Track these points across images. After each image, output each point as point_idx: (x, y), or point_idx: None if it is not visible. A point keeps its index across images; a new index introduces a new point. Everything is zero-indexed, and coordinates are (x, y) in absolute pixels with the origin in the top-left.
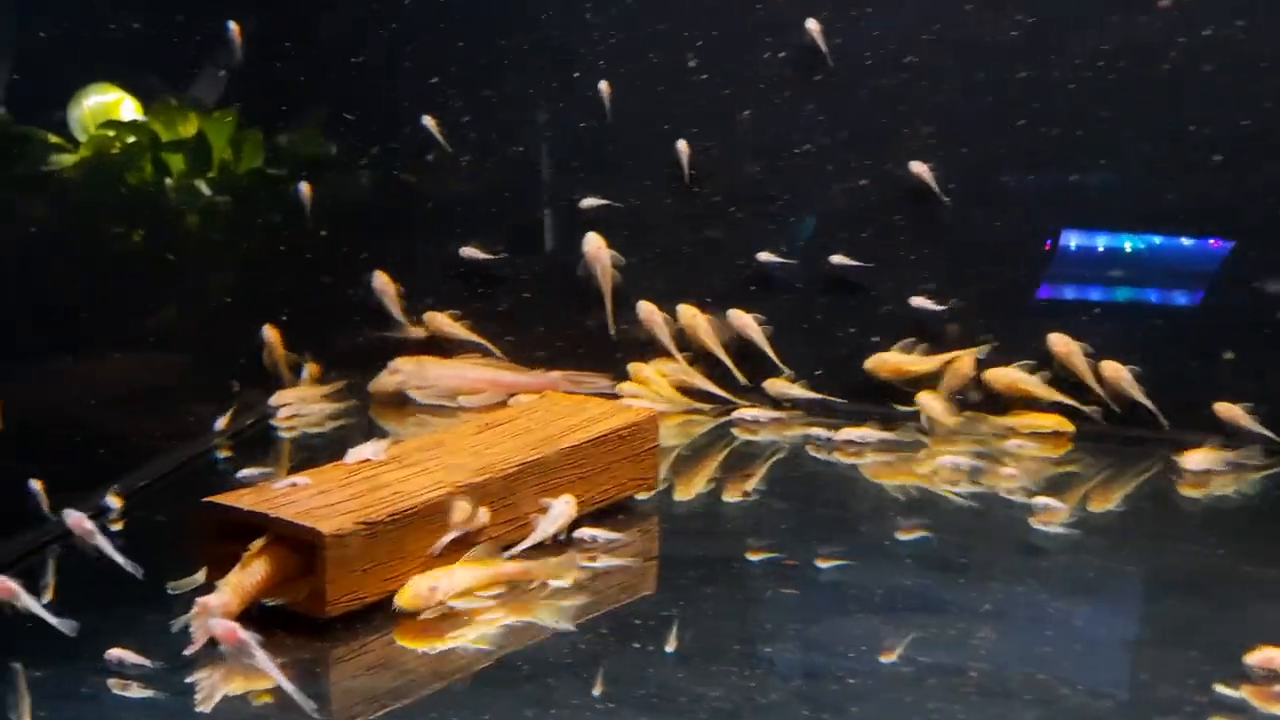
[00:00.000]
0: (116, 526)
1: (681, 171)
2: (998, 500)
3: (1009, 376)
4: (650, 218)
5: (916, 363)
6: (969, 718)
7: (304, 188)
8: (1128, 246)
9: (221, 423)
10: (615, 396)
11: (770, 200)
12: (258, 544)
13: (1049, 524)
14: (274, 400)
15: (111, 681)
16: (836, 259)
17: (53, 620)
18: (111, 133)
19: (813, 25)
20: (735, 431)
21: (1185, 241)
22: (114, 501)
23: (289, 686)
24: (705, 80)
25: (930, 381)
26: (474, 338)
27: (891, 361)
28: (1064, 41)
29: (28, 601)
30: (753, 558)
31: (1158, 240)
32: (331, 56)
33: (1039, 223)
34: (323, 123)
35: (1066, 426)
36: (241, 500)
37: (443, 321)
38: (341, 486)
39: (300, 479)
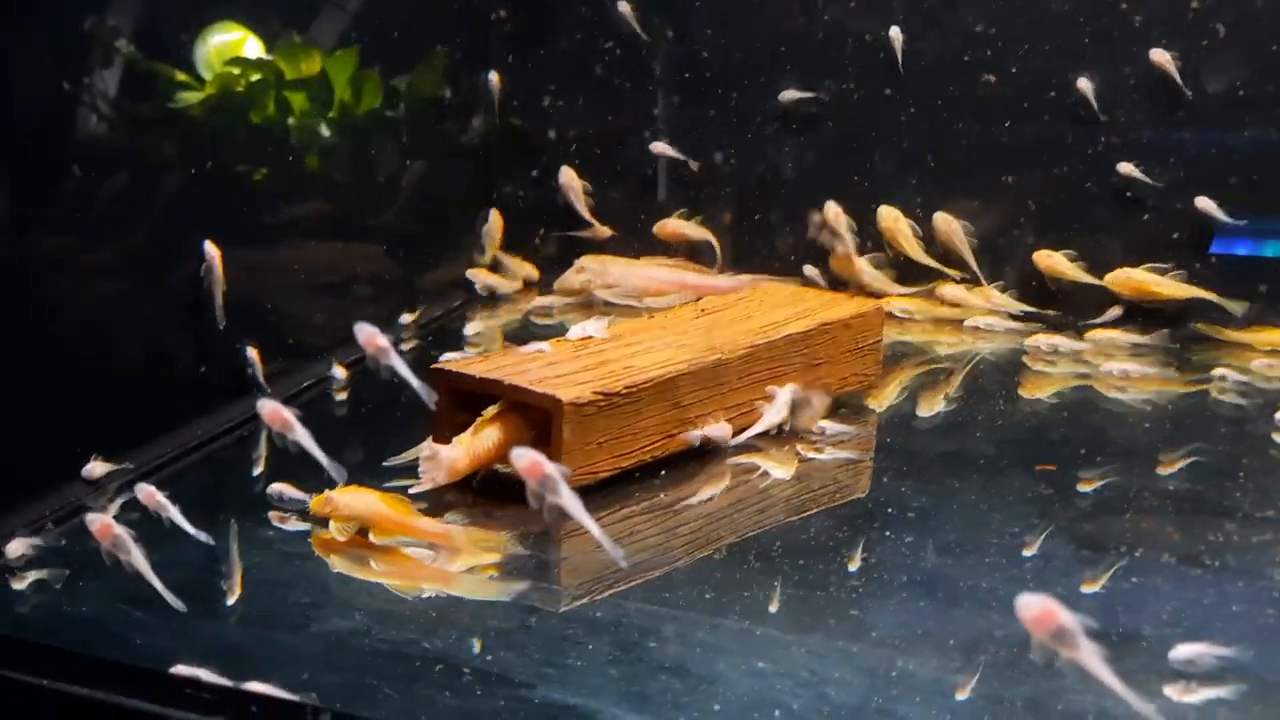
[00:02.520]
0: (341, 396)
1: (895, 61)
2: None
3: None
4: (846, 113)
5: (1165, 285)
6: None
7: (493, 77)
8: None
9: (408, 318)
10: None
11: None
12: (491, 410)
13: None
14: (470, 273)
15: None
16: (1125, 167)
17: (325, 461)
18: (237, 70)
19: None
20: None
21: None
22: (340, 371)
23: (598, 531)
24: None
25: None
26: (706, 235)
27: (1136, 279)
28: None
29: (300, 435)
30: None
31: None
32: None
33: None
34: (442, 63)
35: None
36: (474, 367)
37: (676, 224)
38: (572, 359)
39: (544, 345)
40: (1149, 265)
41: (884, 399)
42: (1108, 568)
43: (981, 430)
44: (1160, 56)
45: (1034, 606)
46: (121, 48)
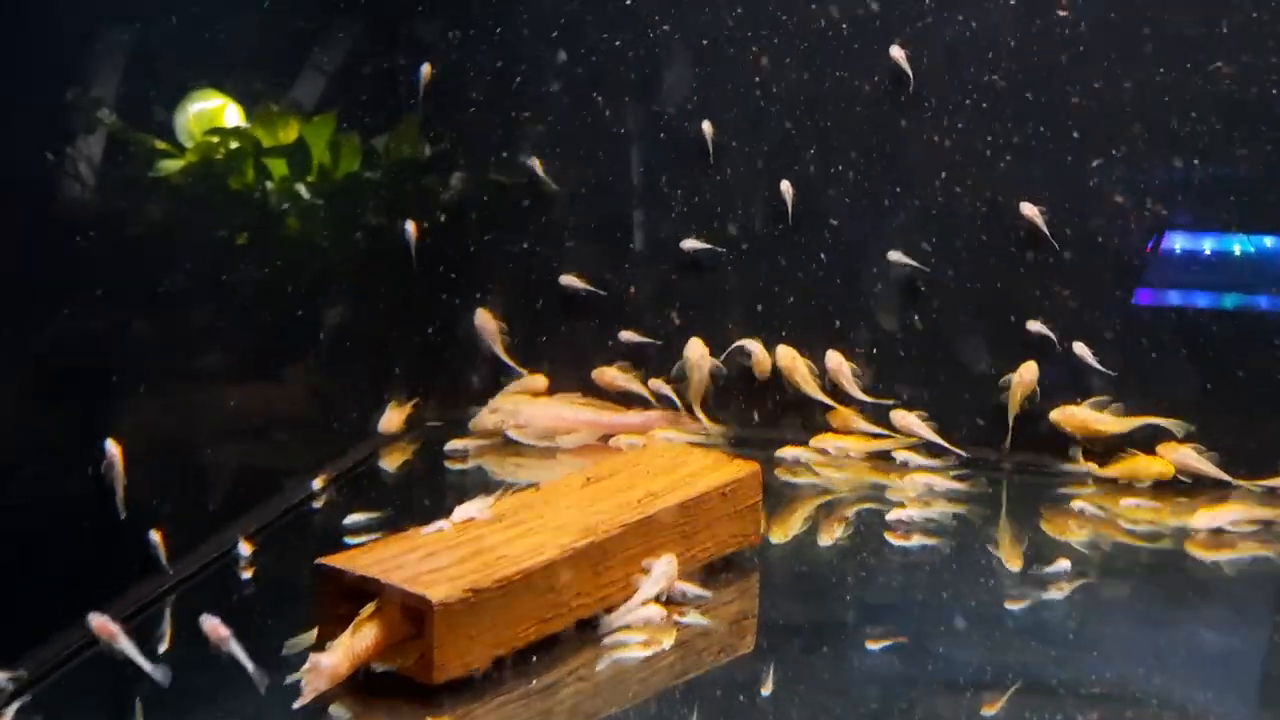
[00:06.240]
0: (247, 574)
1: (786, 212)
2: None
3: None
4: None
5: (1107, 422)
6: None
7: (410, 227)
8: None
9: (319, 483)
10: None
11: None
12: (369, 608)
13: None
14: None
15: None
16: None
17: (146, 666)
18: (216, 139)
19: (897, 52)
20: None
21: None
22: (245, 548)
23: None
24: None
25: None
26: (638, 387)
27: (1080, 417)
28: None
29: (125, 645)
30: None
31: None
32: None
33: None
34: (419, 126)
35: (1167, 473)
36: (354, 564)
37: (613, 375)
38: (450, 549)
39: (444, 524)
40: (1091, 401)
41: (776, 546)
42: None
43: (850, 593)
44: (1029, 210)
45: None
46: (104, 117)
